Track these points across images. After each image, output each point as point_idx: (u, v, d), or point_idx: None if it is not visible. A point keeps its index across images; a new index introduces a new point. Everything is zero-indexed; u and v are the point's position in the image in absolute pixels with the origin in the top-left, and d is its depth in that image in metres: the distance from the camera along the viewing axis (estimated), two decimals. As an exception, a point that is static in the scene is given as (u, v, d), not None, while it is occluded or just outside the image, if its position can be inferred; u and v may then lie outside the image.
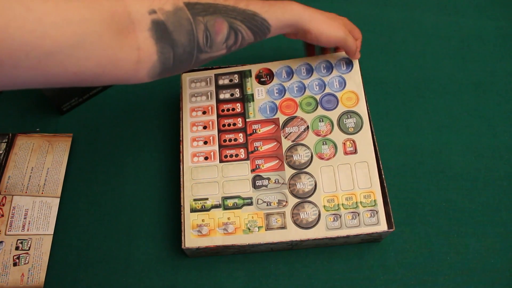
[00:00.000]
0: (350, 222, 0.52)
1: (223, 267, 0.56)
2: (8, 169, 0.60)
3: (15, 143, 0.62)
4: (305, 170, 0.55)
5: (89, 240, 0.57)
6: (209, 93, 0.60)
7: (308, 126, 0.57)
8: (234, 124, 0.58)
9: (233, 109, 0.59)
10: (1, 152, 0.61)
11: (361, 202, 0.53)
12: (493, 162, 0.62)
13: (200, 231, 0.53)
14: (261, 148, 0.57)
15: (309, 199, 0.54)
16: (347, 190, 0.54)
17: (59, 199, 0.59)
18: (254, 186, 0.55)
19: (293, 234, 0.52)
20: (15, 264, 0.55)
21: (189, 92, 0.60)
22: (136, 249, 0.57)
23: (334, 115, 0.57)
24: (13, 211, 0.57)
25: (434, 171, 0.61)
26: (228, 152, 0.57)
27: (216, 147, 0.57)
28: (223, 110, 0.59)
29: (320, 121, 0.57)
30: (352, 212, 0.53)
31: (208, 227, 0.53)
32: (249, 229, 0.53)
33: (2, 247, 0.56)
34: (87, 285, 0.55)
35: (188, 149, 0.57)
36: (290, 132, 0.57)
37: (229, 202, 0.54)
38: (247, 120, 0.58)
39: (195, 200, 0.55)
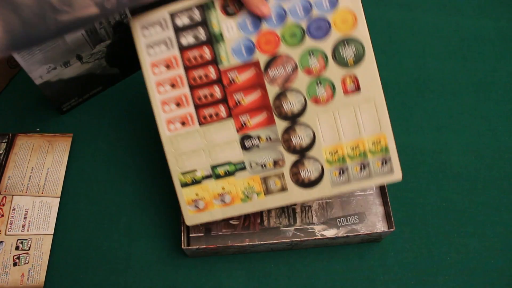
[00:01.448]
0: (359, 174, 0.46)
1: (223, 267, 0.56)
2: (8, 169, 0.60)
3: (15, 143, 0.62)
4: (299, 120, 0.47)
5: (89, 240, 0.57)
6: (167, 40, 0.48)
7: (296, 65, 0.47)
8: (206, 76, 0.48)
9: (201, 56, 0.48)
10: (1, 152, 0.61)
11: (369, 151, 0.46)
12: (493, 162, 0.62)
13: (197, 206, 0.49)
14: (243, 101, 0.47)
15: (309, 154, 0.47)
16: (352, 138, 0.46)
17: (59, 199, 0.59)
18: (244, 148, 0.48)
19: (296, 195, 0.47)
20: (15, 264, 0.55)
21: (144, 43, 0.48)
22: (136, 249, 0.57)
23: (327, 45, 0.46)
24: (13, 211, 0.57)
25: (434, 171, 0.61)
26: (206, 111, 0.48)
27: (192, 108, 0.48)
28: (189, 60, 0.48)
29: (310, 55, 0.46)
30: (360, 163, 0.46)
31: (203, 201, 0.49)
32: (247, 196, 0.48)
33: (2, 247, 0.56)
34: (87, 285, 0.55)
35: (161, 115, 0.49)
36: (275, 76, 0.47)
37: (220, 170, 0.48)
38: (220, 67, 0.47)
39: (183, 173, 0.49)
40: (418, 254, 0.56)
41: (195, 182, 0.49)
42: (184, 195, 0.49)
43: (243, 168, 0.48)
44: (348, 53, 0.46)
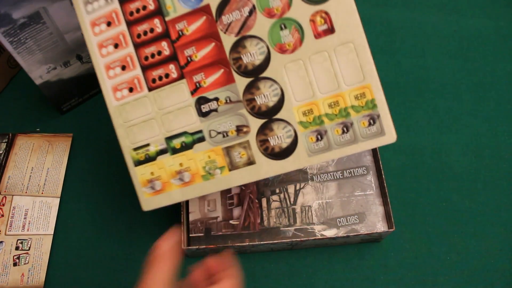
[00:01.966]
0: (341, 138, 0.39)
1: (223, 267, 0.56)
2: (8, 169, 0.60)
3: (15, 143, 0.62)
4: (263, 75, 0.40)
5: (89, 240, 0.57)
6: None
7: (254, 6, 0.39)
8: (152, 31, 0.41)
9: (144, 8, 0.41)
10: (1, 152, 0.61)
11: (352, 107, 0.38)
12: (493, 162, 0.62)
13: (153, 187, 0.43)
14: (195, 56, 0.41)
15: (278, 116, 0.40)
16: (328, 92, 0.39)
17: (59, 199, 0.59)
18: (201, 114, 0.41)
19: (266, 168, 0.41)
20: (15, 264, 0.55)
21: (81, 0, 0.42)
22: (136, 249, 0.57)
23: None
24: (13, 211, 0.57)
25: (434, 171, 0.61)
26: (155, 73, 0.42)
27: (138, 71, 0.42)
28: (131, 13, 0.41)
29: None
30: (341, 124, 0.39)
31: (160, 181, 0.43)
32: (209, 173, 0.42)
33: (2, 247, 0.56)
34: (87, 285, 0.55)
35: (106, 82, 0.43)
36: (230, 22, 0.40)
37: (176, 143, 0.42)
38: (166, 19, 0.41)
39: (135, 149, 0.43)
40: (418, 254, 0.56)
41: (149, 159, 0.43)
42: (138, 175, 0.43)
43: (202, 138, 0.42)
44: None
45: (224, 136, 0.41)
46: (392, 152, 0.62)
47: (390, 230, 0.51)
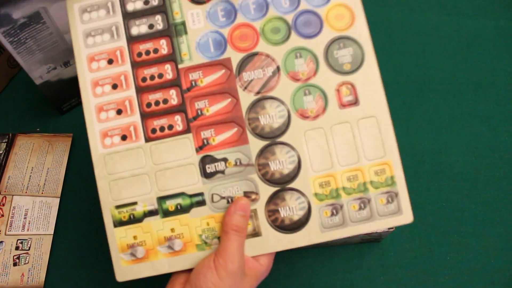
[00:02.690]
0: (357, 215, 0.36)
1: (223, 267, 0.56)
2: (8, 169, 0.60)
3: (15, 143, 0.62)
4: (281, 139, 0.37)
5: (89, 240, 0.57)
6: (113, 28, 0.39)
7: (278, 67, 0.38)
8: (161, 76, 0.38)
9: (156, 50, 0.38)
10: (1, 152, 0.61)
11: (371, 182, 0.37)
12: (493, 162, 0.62)
13: (133, 254, 0.37)
14: (207, 110, 0.37)
15: (291, 185, 0.37)
16: (348, 165, 0.37)
17: (59, 199, 0.59)
18: (204, 174, 0.37)
19: (273, 242, 0.37)
20: (15, 264, 0.55)
21: (82, 30, 0.39)
22: (136, 249, 0.57)
23: (318, 45, 0.38)
24: (13, 211, 0.57)
25: (434, 171, 0.61)
26: (157, 123, 0.38)
27: (137, 117, 0.38)
28: (139, 54, 0.38)
29: (297, 57, 0.38)
30: (358, 199, 0.37)
31: (144, 247, 0.37)
32: (205, 242, 0.37)
33: (2, 247, 0.56)
34: (87, 285, 0.55)
35: (94, 124, 0.38)
36: (251, 80, 0.38)
37: (170, 205, 0.37)
38: (179, 66, 0.38)
39: (118, 207, 0.37)
40: (418, 254, 0.56)
41: (134, 220, 0.37)
42: (117, 237, 0.37)
43: (202, 202, 0.37)
44: (344, 55, 0.38)
45: (228, 202, 0.37)
46: (392, 152, 0.62)
47: (390, 230, 0.51)
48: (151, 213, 0.37)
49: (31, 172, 0.60)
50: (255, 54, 0.38)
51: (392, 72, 0.68)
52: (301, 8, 0.39)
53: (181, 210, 0.37)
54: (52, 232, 0.57)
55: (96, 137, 0.38)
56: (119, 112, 0.38)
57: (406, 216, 0.37)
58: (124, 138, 0.38)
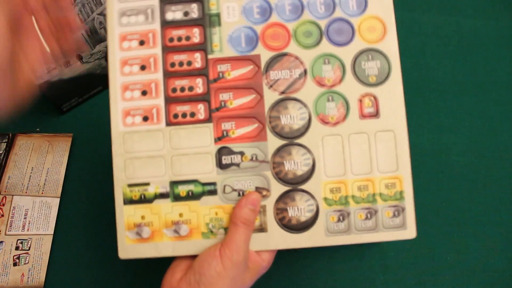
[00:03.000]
0: (363, 224, 0.38)
1: (223, 267, 0.56)
2: (8, 169, 0.60)
3: (15, 143, 0.62)
4: (298, 141, 0.38)
5: (89, 240, 0.57)
6: (149, 10, 0.39)
7: (305, 70, 0.39)
8: (189, 63, 0.39)
9: (188, 38, 0.39)
10: (1, 152, 0.61)
11: (380, 194, 0.37)
12: (493, 162, 0.62)
13: (139, 234, 0.38)
14: (231, 103, 0.38)
15: (303, 186, 0.38)
16: (361, 175, 0.38)
17: (59, 199, 0.59)
18: (220, 165, 0.38)
19: (277, 240, 0.38)
20: (15, 264, 0.55)
21: (118, 8, 0.39)
22: (136, 249, 0.57)
23: (347, 54, 0.39)
24: (13, 211, 0.57)
25: (434, 171, 0.61)
26: (180, 108, 0.38)
27: (161, 100, 0.38)
28: (171, 40, 0.39)
29: (325, 62, 0.39)
30: (366, 209, 0.38)
31: (150, 228, 0.38)
32: (211, 231, 0.38)
33: (2, 247, 0.56)
34: (87, 285, 0.55)
35: (117, 102, 0.39)
36: (278, 79, 0.39)
37: (181, 190, 0.38)
38: (209, 56, 0.39)
39: (130, 185, 0.38)
40: (418, 254, 0.56)
41: (144, 200, 0.38)
42: (125, 215, 0.39)
43: (213, 191, 0.38)
44: (371, 68, 0.39)
45: (239, 195, 0.38)
46: (392, 152, 0.62)
47: (390, 230, 0.51)
48: (162, 195, 0.38)
49: (31, 172, 0.60)
50: (285, 54, 0.39)
51: (392, 72, 0.68)
52: (336, 15, 0.39)
53: (192, 196, 0.38)
54: (52, 232, 0.57)
55: (118, 114, 0.39)
56: (144, 93, 0.39)
57: (410, 232, 0.38)
58: (145, 119, 0.39)
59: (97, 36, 0.58)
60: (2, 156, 0.61)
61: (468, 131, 0.64)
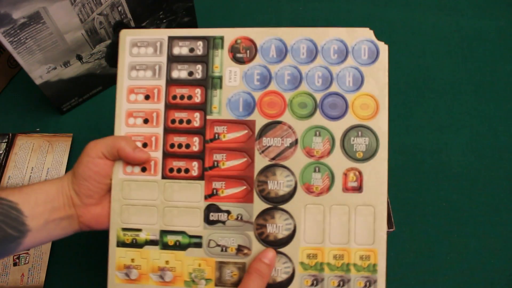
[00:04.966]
0: None
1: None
2: (8, 169, 0.60)
3: (15, 143, 0.62)
4: (282, 206, 0.40)
5: (89, 240, 0.57)
6: (157, 67, 0.42)
7: (297, 140, 0.40)
8: (189, 122, 0.41)
9: (190, 97, 0.41)
10: (1, 152, 0.61)
11: (354, 265, 0.39)
12: (493, 162, 0.62)
13: (127, 275, 0.40)
14: (223, 164, 0.40)
15: (282, 249, 0.40)
16: (338, 244, 0.39)
17: (59, 199, 0.59)
18: (207, 221, 0.40)
19: None
20: (15, 264, 0.55)
21: (129, 62, 0.42)
22: (136, 249, 0.57)
23: (338, 128, 0.40)
24: (13, 211, 0.57)
25: (434, 171, 0.61)
26: (176, 164, 0.41)
27: (159, 154, 0.41)
28: (174, 97, 0.41)
29: (316, 134, 0.40)
30: (339, 277, 0.39)
31: (138, 270, 0.40)
32: (193, 280, 0.40)
33: (2, 247, 0.56)
34: (87, 285, 0.55)
35: None
36: (269, 146, 0.40)
37: (170, 239, 0.40)
38: (207, 117, 0.41)
39: (124, 229, 0.41)
40: (418, 254, 0.56)
41: (136, 244, 0.41)
42: (117, 256, 0.40)
43: (199, 244, 0.40)
44: (360, 144, 0.40)
45: (222, 250, 0.40)
46: (392, 152, 0.62)
47: (390, 230, 0.51)
48: (152, 242, 0.41)
49: (31, 172, 0.60)
50: (279, 122, 0.41)
51: (392, 72, 0.68)
52: (332, 89, 0.41)
53: (178, 246, 0.40)
54: (52, 232, 0.57)
55: (120, 162, 0.41)
56: (144, 145, 0.41)
57: None
58: (144, 169, 0.41)
59: (97, 36, 0.58)
60: (2, 156, 0.61)
61: (468, 131, 0.64)
